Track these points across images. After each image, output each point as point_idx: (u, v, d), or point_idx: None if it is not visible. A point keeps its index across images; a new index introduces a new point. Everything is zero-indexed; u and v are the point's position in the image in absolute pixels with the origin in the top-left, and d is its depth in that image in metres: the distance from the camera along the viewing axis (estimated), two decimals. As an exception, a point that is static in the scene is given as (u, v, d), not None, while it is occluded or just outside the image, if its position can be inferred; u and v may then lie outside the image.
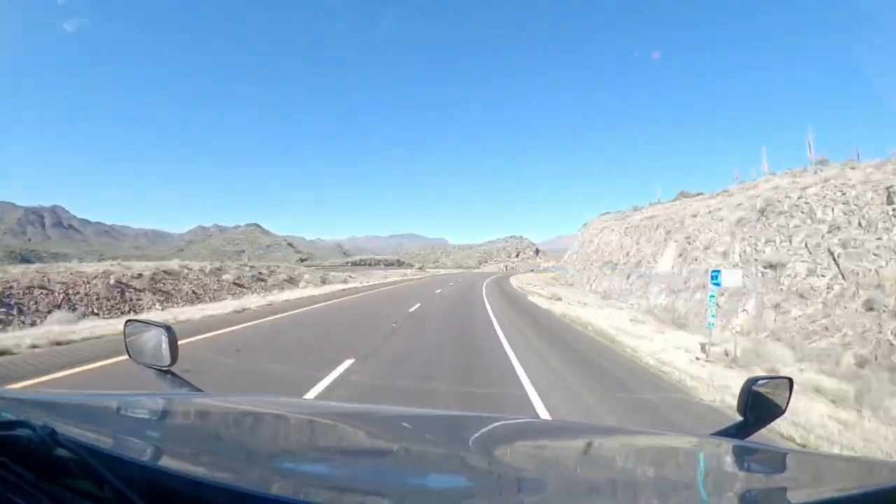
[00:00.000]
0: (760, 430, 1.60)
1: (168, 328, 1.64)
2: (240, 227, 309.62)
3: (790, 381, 1.64)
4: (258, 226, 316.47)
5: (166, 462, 0.90)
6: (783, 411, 1.60)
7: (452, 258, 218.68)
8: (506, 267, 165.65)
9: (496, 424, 1.70)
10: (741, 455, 1.37)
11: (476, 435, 1.47)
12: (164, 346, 1.62)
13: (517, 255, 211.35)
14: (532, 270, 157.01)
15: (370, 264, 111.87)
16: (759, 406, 1.53)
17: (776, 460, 1.38)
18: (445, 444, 1.41)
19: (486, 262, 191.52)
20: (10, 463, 0.73)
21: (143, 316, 13.23)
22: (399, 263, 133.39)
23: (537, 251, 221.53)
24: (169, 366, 1.63)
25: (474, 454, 1.28)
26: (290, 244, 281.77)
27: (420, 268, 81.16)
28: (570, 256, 61.33)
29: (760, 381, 1.57)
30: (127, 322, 1.78)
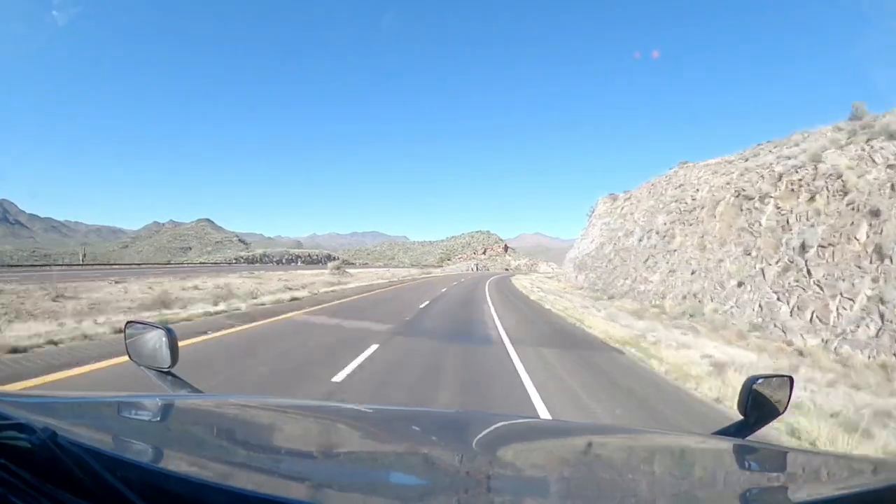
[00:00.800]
0: (761, 429, 1.59)
1: (168, 329, 1.63)
2: (191, 223, 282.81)
3: (790, 379, 1.61)
4: (210, 221, 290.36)
5: (166, 463, 0.90)
6: (783, 410, 1.58)
7: (411, 255, 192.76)
8: (476, 266, 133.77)
9: (495, 425, 1.70)
10: (742, 454, 1.37)
11: (478, 435, 1.50)
12: (165, 347, 1.61)
13: (484, 252, 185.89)
14: (507, 269, 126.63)
15: (279, 262, 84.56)
16: (759, 405, 1.51)
17: (777, 459, 1.39)
18: (447, 443, 1.42)
19: (448, 259, 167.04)
20: (11, 465, 0.72)
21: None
22: (329, 259, 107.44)
23: (506, 247, 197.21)
24: (169, 367, 1.62)
25: (476, 454, 1.30)
26: (241, 240, 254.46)
27: (339, 267, 55.42)
28: (606, 249, 34.25)
29: (760, 381, 1.54)
30: (127, 323, 1.75)
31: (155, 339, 1.64)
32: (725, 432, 1.59)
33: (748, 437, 1.53)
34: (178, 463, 0.91)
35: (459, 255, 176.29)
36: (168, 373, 1.65)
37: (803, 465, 1.33)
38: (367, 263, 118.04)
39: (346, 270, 53.19)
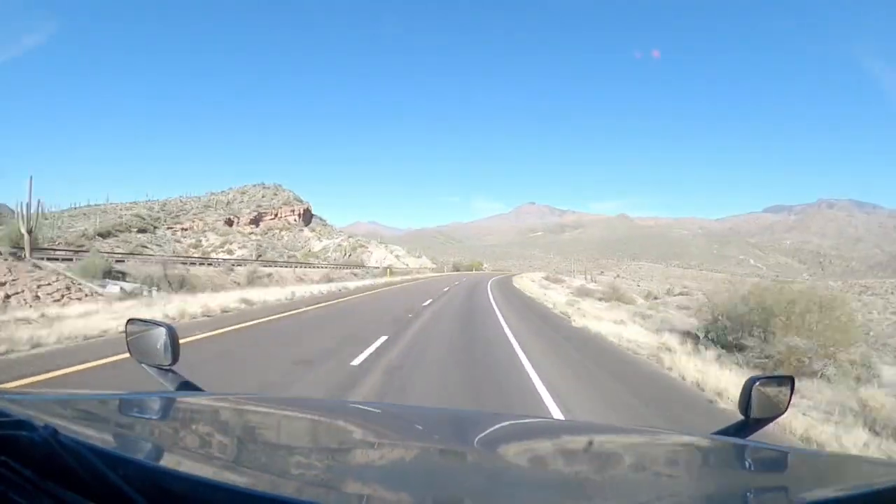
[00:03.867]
0: (762, 430, 1.62)
1: (170, 327, 1.65)
2: None
3: (792, 380, 1.63)
4: None
5: (168, 461, 0.90)
6: (784, 410, 1.61)
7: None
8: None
9: (500, 424, 1.72)
10: (742, 454, 1.39)
11: (480, 433, 1.50)
12: (166, 345, 1.63)
13: (256, 223, 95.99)
14: (269, 264, 27.46)
15: None
16: (759, 405, 1.53)
17: (778, 460, 1.40)
18: (448, 442, 1.44)
19: (156, 228, 76.26)
20: (12, 462, 0.72)
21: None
22: None
23: (308, 215, 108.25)
24: (171, 365, 1.64)
25: (477, 453, 1.32)
26: None
27: None
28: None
29: (761, 381, 1.56)
30: (129, 321, 1.77)
31: (156, 337, 1.64)
32: (726, 432, 1.59)
33: (749, 437, 1.53)
34: (179, 461, 0.91)
35: (187, 225, 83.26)
36: (170, 370, 1.65)
37: (804, 465, 1.35)
38: None
39: None
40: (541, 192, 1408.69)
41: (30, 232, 18.50)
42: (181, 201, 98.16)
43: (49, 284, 15.41)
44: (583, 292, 34.31)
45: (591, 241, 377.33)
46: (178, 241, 78.46)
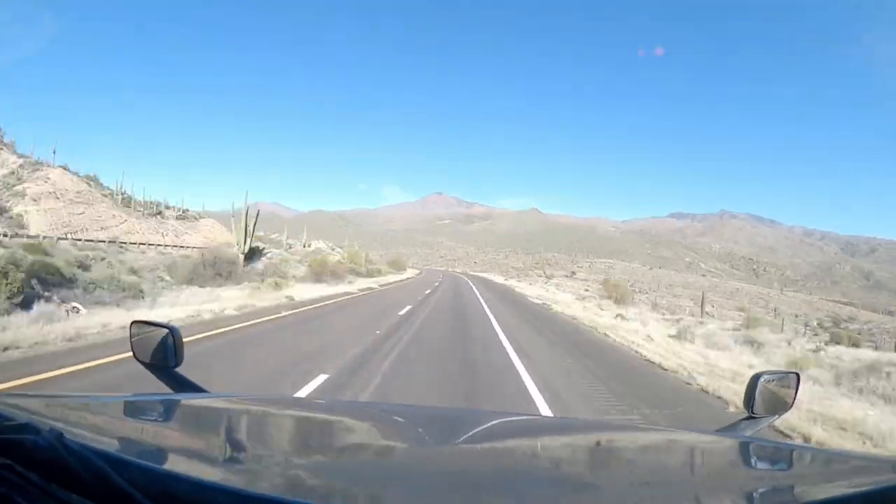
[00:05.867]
0: (767, 426, 1.61)
1: (173, 329, 1.64)
2: None
3: (797, 375, 1.63)
4: None
5: (173, 464, 0.90)
6: (790, 407, 1.60)
7: None
8: None
9: (496, 421, 1.72)
10: (748, 451, 1.37)
11: (476, 432, 1.51)
12: (170, 346, 1.61)
13: None
14: None
15: None
16: (765, 402, 1.52)
17: (783, 457, 1.39)
18: (446, 441, 1.44)
19: None
20: (17, 466, 0.71)
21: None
22: None
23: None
24: (174, 366, 1.62)
25: (474, 452, 1.32)
26: None
27: None
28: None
29: (767, 377, 1.55)
30: (133, 323, 1.77)
31: (160, 339, 1.63)
32: (731, 429, 1.57)
33: (754, 434, 1.52)
34: (183, 463, 0.92)
35: None
36: (173, 372, 1.64)
37: (810, 462, 1.34)
38: None
39: None
40: (449, 184, 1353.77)
41: None
42: None
43: None
44: None
45: (502, 233, 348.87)
46: None
